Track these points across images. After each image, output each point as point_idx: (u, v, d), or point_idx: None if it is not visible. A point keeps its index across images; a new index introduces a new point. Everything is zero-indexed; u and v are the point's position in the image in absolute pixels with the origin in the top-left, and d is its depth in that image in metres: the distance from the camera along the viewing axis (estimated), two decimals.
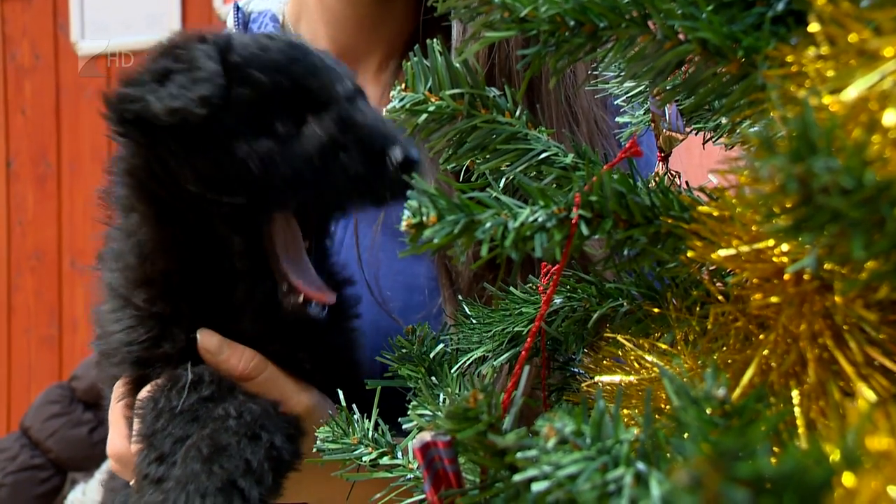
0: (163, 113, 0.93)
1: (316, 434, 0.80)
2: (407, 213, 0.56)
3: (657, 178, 0.69)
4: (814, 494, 0.30)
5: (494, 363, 0.78)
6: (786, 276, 0.55)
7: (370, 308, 1.27)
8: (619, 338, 0.70)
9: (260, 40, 1.03)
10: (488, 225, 0.56)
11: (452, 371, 0.80)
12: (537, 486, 0.51)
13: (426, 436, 0.60)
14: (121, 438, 1.10)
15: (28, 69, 4.27)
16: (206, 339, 1.04)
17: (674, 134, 0.82)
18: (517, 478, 0.54)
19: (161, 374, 1.03)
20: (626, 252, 0.63)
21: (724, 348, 0.63)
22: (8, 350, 4.21)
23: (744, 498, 0.29)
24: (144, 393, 1.03)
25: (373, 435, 0.78)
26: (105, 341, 1.11)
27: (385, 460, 0.76)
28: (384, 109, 1.40)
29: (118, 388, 1.10)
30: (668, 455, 0.49)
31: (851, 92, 0.44)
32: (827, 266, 0.54)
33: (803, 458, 0.30)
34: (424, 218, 0.56)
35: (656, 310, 0.69)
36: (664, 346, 0.66)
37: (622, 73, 0.87)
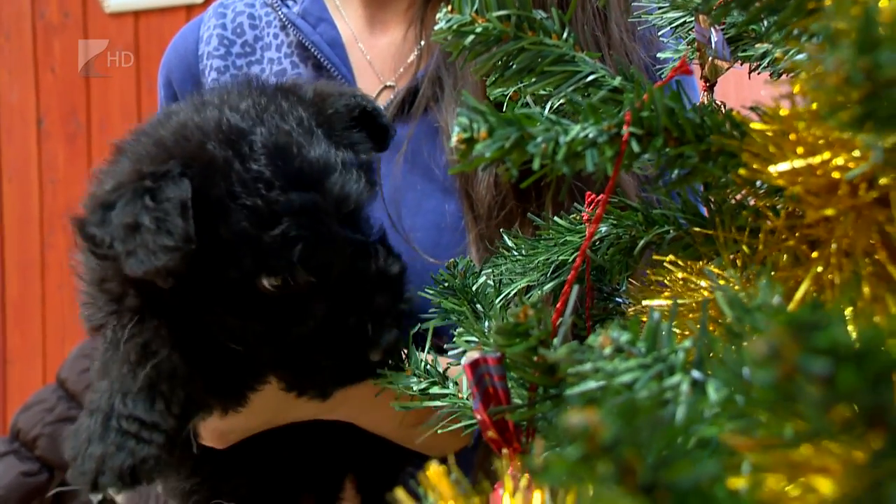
0: (132, 274, 0.87)
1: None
2: (457, 129, 0.56)
3: (703, 104, 0.69)
4: (893, 365, 0.29)
5: (539, 292, 0.78)
6: (841, 189, 0.54)
7: (400, 246, 1.28)
8: (667, 263, 0.70)
9: (266, 196, 0.90)
10: (539, 139, 0.55)
11: (496, 301, 0.81)
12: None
13: (475, 354, 0.61)
14: None
15: (57, 27, 4.28)
16: None
17: (720, 62, 0.81)
18: (570, 391, 0.54)
19: None
20: (676, 172, 0.62)
21: (775, 271, 0.63)
22: (42, 306, 4.26)
23: (823, 368, 0.29)
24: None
25: (425, 366, 0.79)
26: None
27: (435, 389, 0.77)
28: (415, 48, 1.42)
29: None
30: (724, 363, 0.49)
31: None
32: (883, 181, 0.53)
33: (881, 331, 0.30)
34: (475, 133, 0.55)
35: (705, 231, 0.69)
36: (715, 270, 0.66)
37: (665, 4, 0.86)
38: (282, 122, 0.96)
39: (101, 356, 1.01)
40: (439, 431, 0.76)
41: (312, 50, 1.44)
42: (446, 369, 0.81)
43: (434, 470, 0.52)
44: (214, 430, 1.14)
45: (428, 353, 0.82)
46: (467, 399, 0.76)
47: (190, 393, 0.94)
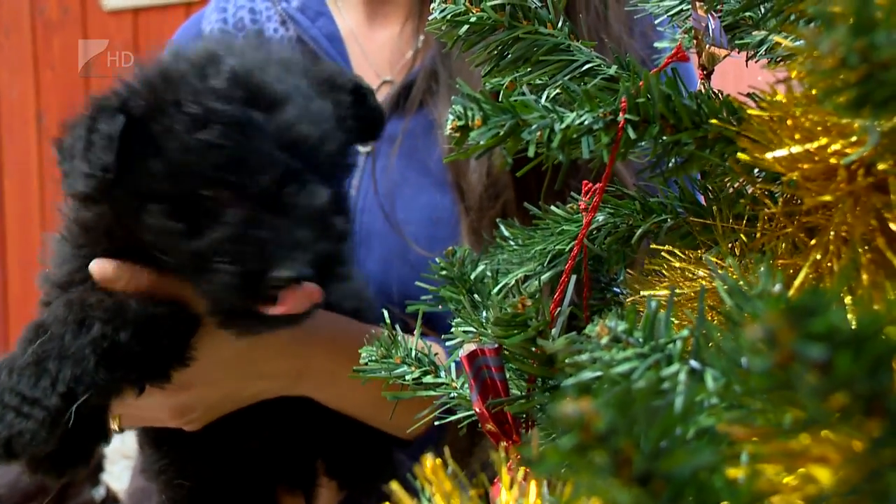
0: (72, 196, 1.01)
1: (360, 352, 0.80)
2: (452, 116, 0.56)
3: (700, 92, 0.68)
4: (892, 350, 0.29)
5: (536, 282, 0.78)
6: (839, 174, 0.53)
7: (395, 239, 1.29)
8: (664, 253, 0.70)
9: (207, 105, 0.95)
10: (535, 127, 0.55)
11: (493, 291, 0.80)
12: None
13: (472, 345, 0.60)
14: None
15: (56, 24, 4.27)
16: (99, 268, 1.05)
17: (717, 50, 0.81)
18: (567, 382, 0.53)
19: None
20: (673, 160, 0.62)
21: (773, 259, 0.62)
22: None
23: (820, 353, 0.28)
24: None
25: (416, 354, 0.78)
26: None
27: (428, 379, 0.76)
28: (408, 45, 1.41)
29: None
30: (722, 352, 0.48)
31: None
32: (880, 166, 0.53)
33: (879, 317, 0.29)
34: (470, 121, 0.55)
35: (703, 220, 0.68)
36: (714, 259, 0.65)
37: None
38: (261, 56, 1.03)
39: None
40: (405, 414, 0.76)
41: (311, 44, 1.44)
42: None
43: (430, 463, 0.52)
44: (167, 407, 1.12)
45: (418, 339, 0.81)
46: (461, 388, 0.76)
47: (79, 374, 0.95)
